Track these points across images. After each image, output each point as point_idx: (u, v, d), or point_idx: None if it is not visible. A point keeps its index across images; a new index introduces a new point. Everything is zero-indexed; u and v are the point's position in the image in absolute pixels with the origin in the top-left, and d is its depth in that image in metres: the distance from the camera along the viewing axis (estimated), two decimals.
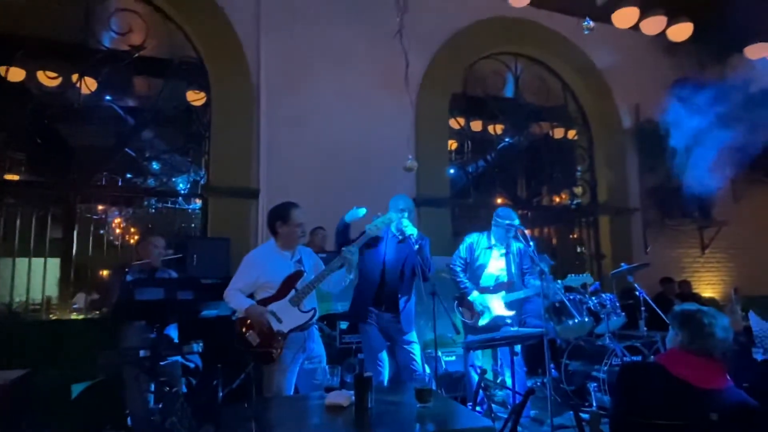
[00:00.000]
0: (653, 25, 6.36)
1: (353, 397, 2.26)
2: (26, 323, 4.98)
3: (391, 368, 3.67)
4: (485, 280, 4.15)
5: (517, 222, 4.06)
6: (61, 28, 5.50)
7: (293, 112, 5.89)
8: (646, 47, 7.50)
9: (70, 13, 5.48)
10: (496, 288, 4.13)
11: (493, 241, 4.19)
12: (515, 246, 4.20)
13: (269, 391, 3.02)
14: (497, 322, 3.99)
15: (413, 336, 3.64)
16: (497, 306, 4.06)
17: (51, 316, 5.21)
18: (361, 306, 3.64)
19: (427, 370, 3.99)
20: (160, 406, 3.50)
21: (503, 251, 4.19)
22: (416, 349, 3.62)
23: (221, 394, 3.67)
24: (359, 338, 3.88)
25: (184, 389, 3.67)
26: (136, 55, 5.64)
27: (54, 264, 5.41)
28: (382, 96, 6.22)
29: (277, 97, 5.87)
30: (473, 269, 4.17)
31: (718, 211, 7.80)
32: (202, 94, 5.93)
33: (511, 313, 4.05)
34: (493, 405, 3.80)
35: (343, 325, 4.45)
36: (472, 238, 4.25)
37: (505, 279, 4.15)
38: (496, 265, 4.17)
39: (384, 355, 3.58)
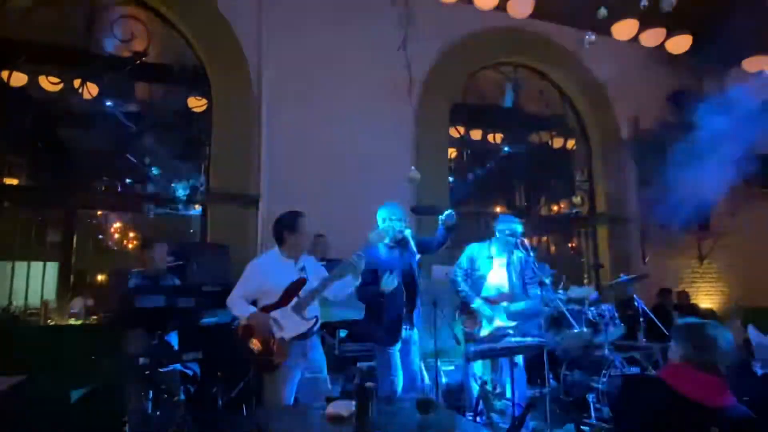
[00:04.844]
0: (652, 37, 6.41)
1: (354, 408, 2.26)
2: (24, 328, 4.96)
3: None
4: (486, 291, 4.15)
5: (518, 228, 4.07)
6: (64, 34, 5.48)
7: (294, 119, 5.89)
8: (645, 59, 7.55)
9: (72, 19, 5.48)
10: (498, 298, 4.12)
11: (494, 251, 4.20)
12: (517, 255, 4.20)
13: (269, 400, 3.02)
14: (499, 333, 3.99)
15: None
16: (499, 317, 4.06)
17: (49, 320, 5.20)
18: (391, 323, 3.52)
19: (426, 380, 3.99)
20: (158, 413, 3.49)
21: (504, 261, 4.19)
22: (416, 351, 3.64)
23: (221, 402, 3.67)
24: (361, 347, 3.87)
25: (183, 397, 3.65)
26: (139, 61, 5.66)
27: (53, 268, 5.40)
28: (382, 104, 6.23)
29: (279, 105, 5.87)
30: (474, 279, 4.16)
31: (715, 222, 7.82)
32: (204, 101, 5.93)
33: (513, 323, 4.05)
34: (492, 414, 3.79)
35: (343, 333, 4.44)
36: (472, 249, 4.25)
37: (506, 290, 4.14)
38: (497, 276, 4.17)
39: (400, 372, 3.53)
